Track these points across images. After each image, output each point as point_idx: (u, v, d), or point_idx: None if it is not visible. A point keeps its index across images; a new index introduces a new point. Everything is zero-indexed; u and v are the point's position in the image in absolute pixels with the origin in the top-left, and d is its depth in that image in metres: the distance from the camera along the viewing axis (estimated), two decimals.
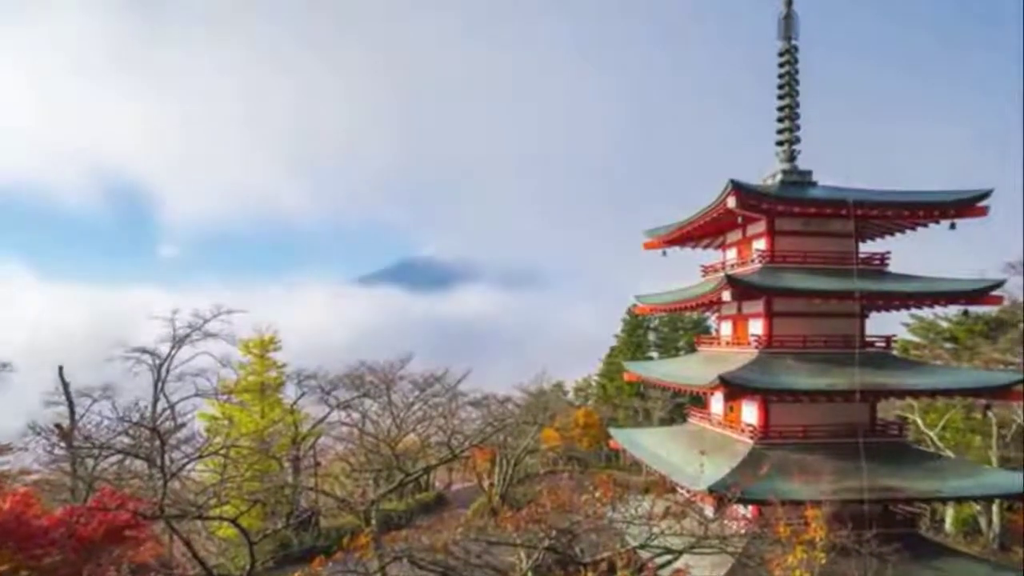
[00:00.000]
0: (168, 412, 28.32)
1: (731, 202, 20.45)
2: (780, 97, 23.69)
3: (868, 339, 22.39)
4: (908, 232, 23.49)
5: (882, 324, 23.63)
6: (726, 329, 25.76)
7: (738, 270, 23.34)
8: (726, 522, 16.31)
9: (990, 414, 29.82)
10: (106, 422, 22.56)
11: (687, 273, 27.82)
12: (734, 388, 19.35)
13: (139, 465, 25.40)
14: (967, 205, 20.99)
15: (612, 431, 31.16)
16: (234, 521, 18.40)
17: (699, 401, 28.38)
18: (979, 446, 32.14)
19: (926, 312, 32.88)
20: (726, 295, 20.40)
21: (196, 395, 31.15)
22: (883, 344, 22.64)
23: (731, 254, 25.43)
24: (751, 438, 21.03)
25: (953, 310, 32.09)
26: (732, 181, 20.26)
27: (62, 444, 23.38)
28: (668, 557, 14.87)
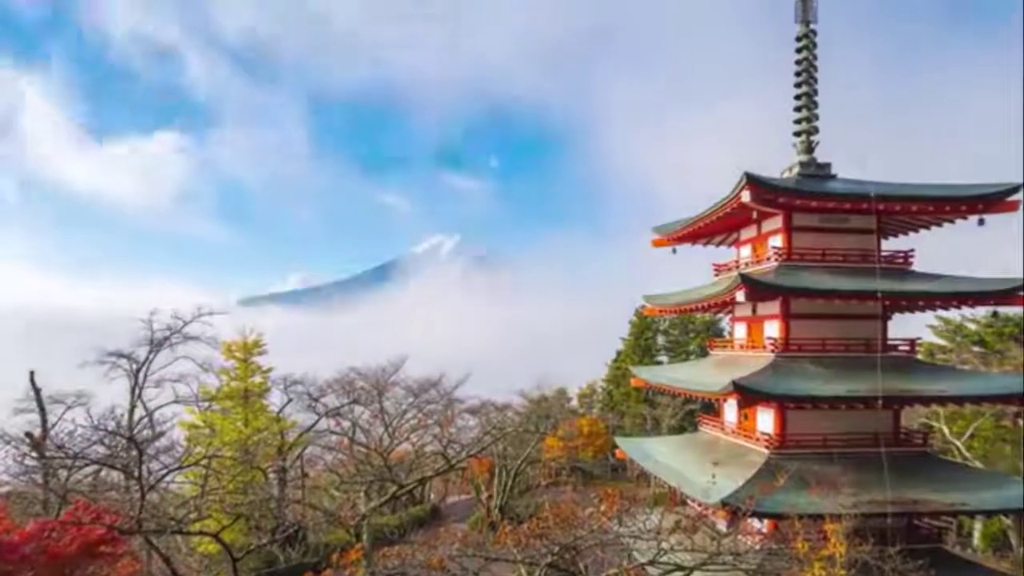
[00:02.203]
0: (146, 420, 28.37)
1: (745, 196, 20.45)
2: (797, 85, 23.70)
3: (891, 342, 22.39)
4: (933, 228, 23.53)
5: (906, 326, 23.65)
6: (740, 331, 25.77)
7: (753, 269, 23.35)
8: (740, 537, 16.30)
9: (1021, 422, 29.83)
10: (80, 430, 22.54)
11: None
12: (748, 394, 19.35)
13: (115, 476, 25.45)
14: (997, 199, 20.96)
15: (618, 440, 31.14)
16: (216, 536, 18.42)
17: (711, 408, 28.40)
18: (1009, 456, 32.13)
19: (953, 314, 32.88)
20: (740, 295, 20.40)
21: (176, 402, 31.23)
22: (907, 348, 22.64)
23: (745, 252, 25.44)
24: (766, 447, 21.04)
25: (982, 311, 32.13)
26: (746, 174, 20.26)
27: (33, 454, 23.39)
28: (678, 574, 14.87)
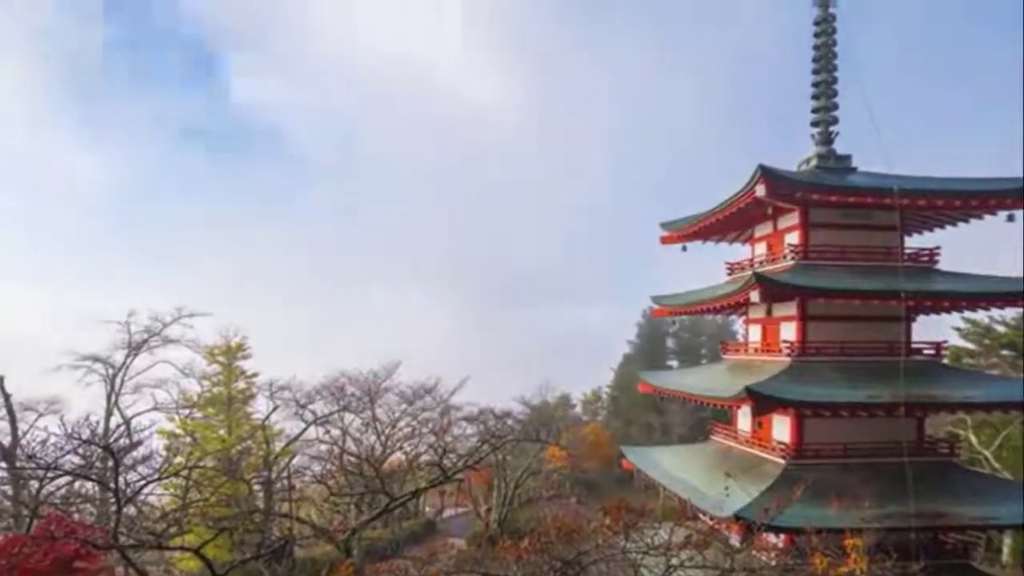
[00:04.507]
0: (123, 428, 28.34)
1: (760, 190, 20.45)
2: (815, 72, 23.69)
3: (915, 346, 22.39)
4: (960, 225, 23.51)
5: (931, 329, 23.64)
6: (754, 334, 25.76)
7: (768, 267, 23.35)
8: (754, 553, 16.29)
9: None
10: (53, 439, 22.54)
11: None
12: (763, 401, 19.34)
13: (90, 488, 25.44)
14: None
15: (625, 450, 31.14)
16: (197, 551, 18.38)
17: (724, 416, 28.38)
18: None
19: (981, 315, 32.85)
20: (754, 296, 20.39)
21: (155, 409, 31.27)
22: (932, 351, 22.64)
23: (760, 249, 25.44)
24: (783, 457, 21.04)
25: (1011, 313, 32.12)
26: (761, 166, 20.26)
27: (3, 464, 23.42)
28: None
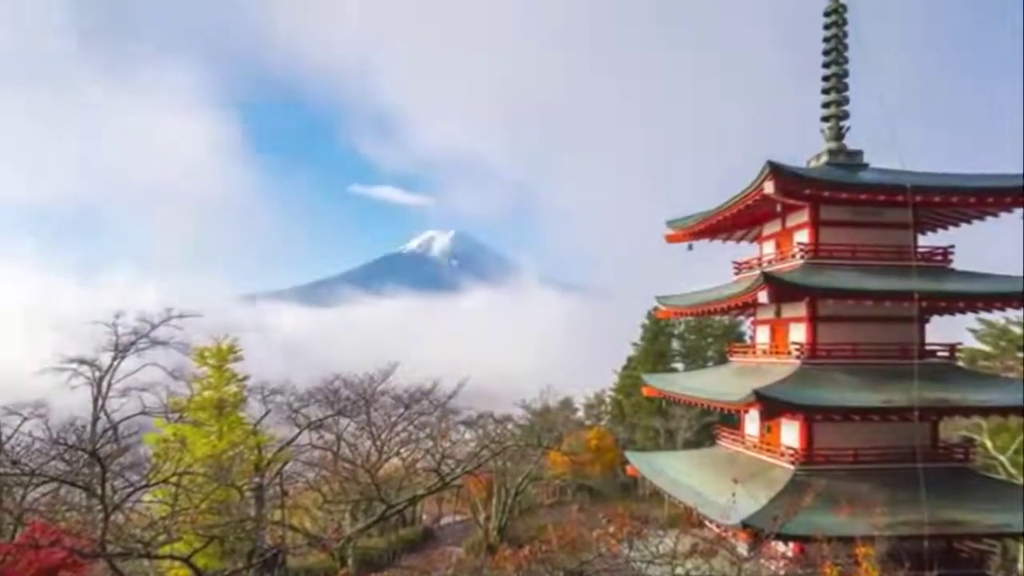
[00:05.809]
0: (110, 433, 28.30)
1: (768, 187, 20.47)
2: (826, 65, 23.72)
3: (928, 348, 22.42)
4: (975, 223, 23.52)
5: (945, 330, 23.64)
6: (763, 336, 25.78)
7: (776, 267, 23.36)
8: (763, 562, 16.29)
9: None
10: (38, 444, 22.51)
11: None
12: (772, 405, 19.36)
13: (76, 495, 25.40)
14: None
15: (629, 455, 31.19)
16: (187, 560, 18.39)
17: (731, 420, 28.37)
18: None
19: (996, 316, 32.83)
20: (762, 296, 20.41)
21: (143, 413, 31.16)
22: (946, 354, 22.66)
23: (768, 248, 25.46)
24: (792, 463, 21.04)
25: None
26: (770, 163, 20.29)
27: None
28: None
